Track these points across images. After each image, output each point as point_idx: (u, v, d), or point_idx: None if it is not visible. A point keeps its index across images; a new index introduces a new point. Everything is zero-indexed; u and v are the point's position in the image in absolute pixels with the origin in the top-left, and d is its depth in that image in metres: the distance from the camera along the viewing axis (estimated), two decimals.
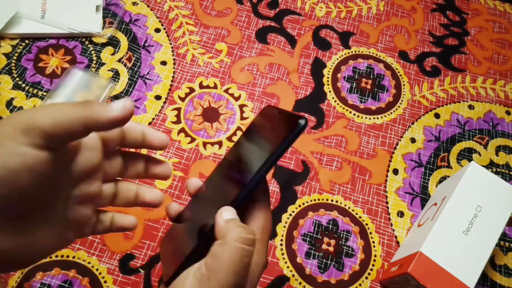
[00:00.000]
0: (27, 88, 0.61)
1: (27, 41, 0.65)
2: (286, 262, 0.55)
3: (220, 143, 0.61)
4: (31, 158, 0.24)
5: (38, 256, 0.29)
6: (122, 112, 0.26)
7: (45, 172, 0.25)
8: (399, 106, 0.68)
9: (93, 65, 0.64)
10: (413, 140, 0.65)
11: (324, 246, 0.56)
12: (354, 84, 0.68)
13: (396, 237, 0.58)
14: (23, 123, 0.24)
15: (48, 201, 0.27)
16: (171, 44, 0.68)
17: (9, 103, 0.60)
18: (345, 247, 0.56)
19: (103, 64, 0.65)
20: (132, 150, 0.34)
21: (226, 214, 0.30)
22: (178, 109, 0.63)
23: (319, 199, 0.59)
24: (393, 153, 0.64)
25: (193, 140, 0.61)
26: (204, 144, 0.61)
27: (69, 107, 0.25)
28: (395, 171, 0.62)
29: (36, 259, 0.29)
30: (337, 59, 0.70)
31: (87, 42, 0.66)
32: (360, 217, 0.59)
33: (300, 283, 0.54)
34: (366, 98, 0.67)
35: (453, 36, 0.76)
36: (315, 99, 0.66)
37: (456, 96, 0.70)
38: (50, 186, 0.27)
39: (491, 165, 0.64)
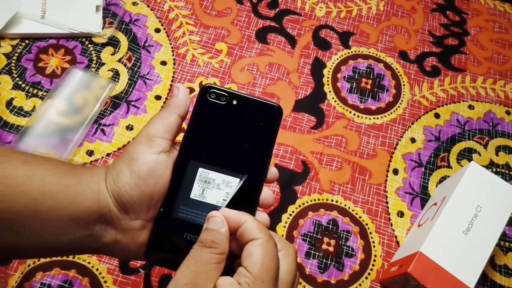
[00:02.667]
0: (27, 88, 0.61)
1: (27, 41, 0.65)
2: None
3: None
4: (155, 162, 0.31)
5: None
6: (181, 89, 0.34)
7: (164, 174, 0.32)
8: (399, 106, 0.68)
9: (93, 65, 0.64)
10: (413, 140, 0.65)
11: (324, 246, 0.56)
12: (354, 84, 0.68)
13: (396, 237, 0.58)
14: (145, 137, 0.32)
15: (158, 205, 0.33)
16: (171, 44, 0.68)
17: (9, 103, 0.60)
18: (345, 247, 0.56)
19: (103, 64, 0.65)
20: None
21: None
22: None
23: (319, 199, 0.59)
24: (393, 153, 0.64)
25: None
26: None
27: (161, 112, 0.33)
28: (395, 171, 0.62)
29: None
30: (337, 59, 0.70)
31: (87, 42, 0.66)
32: (360, 217, 0.59)
33: (300, 283, 0.54)
34: (366, 98, 0.67)
35: (453, 36, 0.76)
36: (315, 99, 0.66)
37: (456, 96, 0.70)
38: (165, 189, 0.32)
39: (491, 165, 0.64)
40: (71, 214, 0.30)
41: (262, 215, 0.34)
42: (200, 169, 0.33)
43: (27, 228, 0.30)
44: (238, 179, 0.34)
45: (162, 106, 0.63)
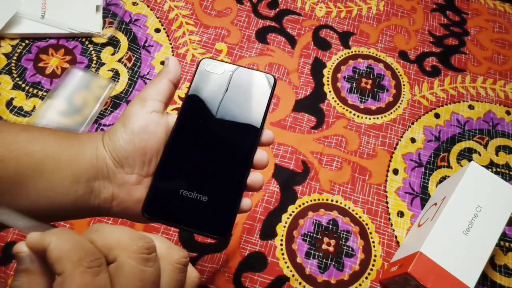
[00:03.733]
0: (27, 88, 0.61)
1: (27, 41, 0.65)
2: (286, 262, 0.55)
3: None
4: (147, 119, 0.33)
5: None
6: (171, 58, 0.37)
7: (156, 130, 0.34)
8: (399, 106, 0.68)
9: (93, 65, 0.64)
10: (413, 140, 0.65)
11: (324, 246, 0.56)
12: (354, 84, 0.68)
13: (396, 237, 0.58)
14: (138, 99, 0.35)
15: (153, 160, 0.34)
16: (171, 44, 0.68)
17: (9, 103, 0.60)
18: (345, 247, 0.56)
19: (103, 64, 0.65)
20: None
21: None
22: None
23: (319, 199, 0.59)
24: (393, 153, 0.64)
25: None
26: None
27: (155, 78, 0.36)
28: (395, 171, 0.62)
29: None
30: (337, 59, 0.70)
31: (87, 42, 0.66)
32: (360, 217, 0.59)
33: (300, 283, 0.54)
34: (366, 98, 0.67)
35: (453, 36, 0.76)
36: (315, 99, 0.66)
37: (456, 96, 0.70)
38: (158, 146, 0.34)
39: (491, 165, 0.64)
40: (74, 172, 0.32)
41: (257, 175, 0.36)
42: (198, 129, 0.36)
43: (34, 189, 0.31)
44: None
45: None
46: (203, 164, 0.35)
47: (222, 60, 0.37)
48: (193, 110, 0.36)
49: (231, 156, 0.36)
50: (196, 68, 0.37)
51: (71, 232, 0.22)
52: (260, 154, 0.36)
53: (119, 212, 0.35)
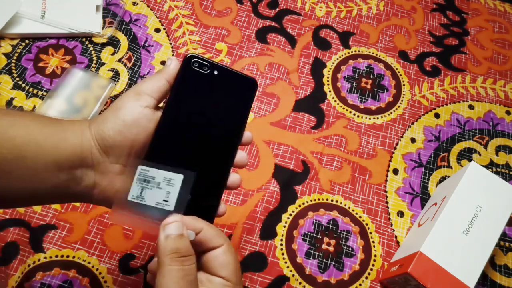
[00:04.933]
0: (27, 88, 0.61)
1: (27, 41, 0.65)
2: (286, 262, 0.55)
3: None
4: (140, 114, 0.34)
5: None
6: (173, 60, 0.37)
7: (147, 126, 0.34)
8: (399, 106, 0.68)
9: (93, 65, 0.64)
10: (413, 140, 0.65)
11: (324, 246, 0.56)
12: (354, 84, 0.68)
13: (396, 237, 0.58)
14: (134, 92, 0.35)
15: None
16: (171, 44, 0.68)
17: (9, 103, 0.60)
18: (345, 247, 0.56)
19: (103, 64, 0.65)
20: None
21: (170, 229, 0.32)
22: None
23: (319, 199, 0.59)
24: (393, 153, 0.64)
25: None
26: None
27: (153, 75, 0.36)
28: (395, 171, 0.62)
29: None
30: (337, 59, 0.70)
31: (87, 42, 0.66)
32: (360, 217, 0.59)
33: (300, 283, 0.54)
34: (366, 98, 0.67)
35: (453, 36, 0.76)
36: (315, 99, 0.66)
37: (456, 96, 0.70)
38: (145, 140, 0.34)
39: (491, 165, 0.64)
40: (56, 159, 0.32)
41: (235, 176, 0.38)
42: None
43: (15, 174, 0.31)
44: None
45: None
46: (187, 159, 0.35)
47: (207, 58, 0.37)
48: (178, 107, 0.36)
49: (213, 155, 0.37)
50: (182, 64, 0.37)
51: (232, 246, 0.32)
52: (241, 155, 0.38)
53: (100, 200, 0.35)
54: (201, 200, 0.35)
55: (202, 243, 0.32)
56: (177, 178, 0.34)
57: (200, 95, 0.37)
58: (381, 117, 0.66)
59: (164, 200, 0.33)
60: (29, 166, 0.31)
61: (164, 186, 0.33)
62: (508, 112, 0.69)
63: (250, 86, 0.38)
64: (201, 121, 0.37)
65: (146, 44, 0.67)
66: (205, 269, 0.33)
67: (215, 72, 0.37)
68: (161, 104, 0.37)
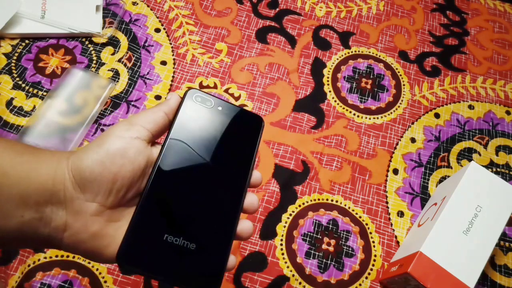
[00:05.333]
0: (27, 88, 0.61)
1: (27, 41, 0.65)
2: (286, 262, 0.55)
3: None
4: (128, 144, 0.30)
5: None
6: (174, 95, 0.34)
7: (135, 158, 0.30)
8: (399, 106, 0.68)
9: (93, 65, 0.64)
10: (413, 140, 0.65)
11: (324, 246, 0.56)
12: (354, 84, 0.68)
13: (396, 237, 0.58)
14: (126, 123, 0.31)
15: (131, 196, 0.31)
16: (171, 44, 0.68)
17: (9, 103, 0.60)
18: (345, 247, 0.56)
19: (103, 64, 0.65)
20: None
21: None
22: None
23: (319, 199, 0.59)
24: (393, 153, 0.64)
25: None
26: None
27: (151, 108, 0.33)
28: (395, 171, 0.62)
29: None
30: (337, 59, 0.70)
31: (87, 42, 0.66)
32: (360, 217, 0.59)
33: (300, 283, 0.54)
34: (366, 98, 0.67)
35: (453, 36, 0.76)
36: (315, 99, 0.66)
37: (456, 96, 0.70)
38: (138, 178, 0.30)
39: (491, 165, 0.64)
40: (22, 192, 0.27)
41: (246, 223, 0.33)
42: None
43: None
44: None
45: None
46: (190, 207, 0.31)
47: (209, 93, 0.35)
48: (179, 145, 0.32)
49: (220, 200, 0.32)
50: (183, 98, 0.34)
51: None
52: (251, 198, 0.33)
53: (71, 245, 0.29)
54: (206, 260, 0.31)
55: None
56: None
57: (203, 135, 0.33)
58: (381, 117, 0.66)
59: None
60: None
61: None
62: (508, 112, 0.69)
63: (256, 124, 0.35)
64: (206, 164, 0.32)
65: (146, 44, 0.67)
66: None
67: (219, 108, 0.34)
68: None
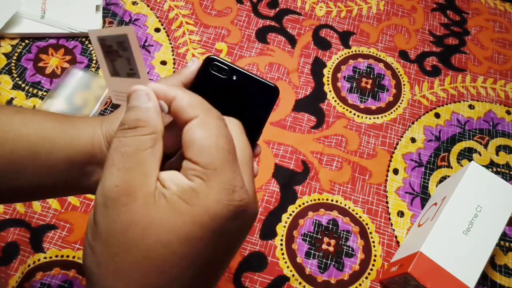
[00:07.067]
0: (27, 88, 0.61)
1: (27, 41, 0.65)
2: (286, 262, 0.55)
3: None
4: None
5: None
6: (195, 63, 0.34)
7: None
8: (399, 106, 0.67)
9: (93, 65, 0.64)
10: (413, 140, 0.65)
11: (324, 246, 0.56)
12: (354, 84, 0.68)
13: (396, 237, 0.58)
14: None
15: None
16: (171, 43, 0.68)
17: (9, 103, 0.60)
18: (345, 247, 0.56)
19: None
20: None
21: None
22: None
23: (319, 199, 0.59)
24: (393, 153, 0.64)
25: None
26: None
27: (169, 76, 0.34)
28: (395, 171, 0.62)
29: None
30: (337, 58, 0.70)
31: (87, 42, 0.66)
32: (360, 217, 0.59)
33: (300, 283, 0.54)
34: (366, 97, 0.67)
35: (453, 35, 0.75)
36: (315, 99, 0.66)
37: (456, 96, 0.70)
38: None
39: (491, 165, 0.64)
40: (68, 155, 0.32)
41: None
42: None
43: (30, 170, 0.32)
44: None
45: None
46: None
47: (227, 61, 0.35)
48: None
49: None
50: (200, 68, 0.35)
51: (217, 115, 0.25)
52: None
53: None
54: None
55: (177, 117, 0.25)
56: (127, 35, 0.27)
57: (215, 101, 0.34)
58: (381, 117, 0.66)
59: (130, 69, 0.28)
60: (43, 162, 0.32)
61: (122, 53, 0.27)
62: (508, 112, 0.69)
63: (270, 93, 0.36)
64: None
65: (146, 44, 0.67)
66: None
67: (234, 77, 0.35)
68: None
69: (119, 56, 0.28)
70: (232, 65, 0.35)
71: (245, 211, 0.23)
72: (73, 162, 0.33)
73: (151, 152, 0.23)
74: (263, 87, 0.35)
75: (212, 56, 0.34)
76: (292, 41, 0.71)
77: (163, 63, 0.66)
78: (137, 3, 0.71)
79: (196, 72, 0.34)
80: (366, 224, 0.58)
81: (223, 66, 0.34)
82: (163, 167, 0.24)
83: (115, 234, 0.21)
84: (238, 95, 0.35)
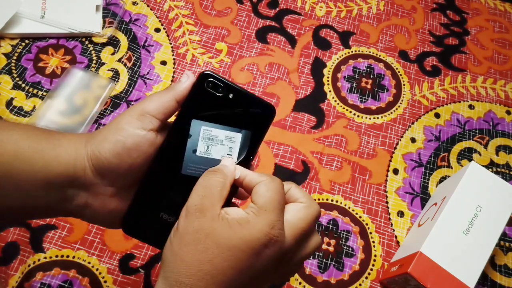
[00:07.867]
0: (27, 88, 0.61)
1: (27, 41, 0.65)
2: None
3: None
4: (142, 138, 0.32)
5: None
6: (189, 79, 0.33)
7: (147, 151, 0.32)
8: (399, 106, 0.68)
9: (93, 65, 0.64)
10: (413, 140, 0.65)
11: (324, 246, 0.56)
12: (354, 84, 0.68)
13: (396, 237, 0.58)
14: (138, 111, 0.32)
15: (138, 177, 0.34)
16: (171, 44, 0.68)
17: (9, 103, 0.60)
18: (345, 247, 0.56)
19: (103, 64, 0.65)
20: None
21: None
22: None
23: (319, 199, 0.59)
24: (393, 153, 0.64)
25: None
26: None
27: (161, 92, 0.33)
28: (395, 171, 0.62)
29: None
30: (337, 58, 0.70)
31: (87, 42, 0.66)
32: (360, 217, 0.59)
33: (300, 283, 0.54)
34: (366, 98, 0.67)
35: (453, 35, 0.76)
36: (315, 99, 0.66)
37: (456, 96, 0.70)
38: (144, 164, 0.33)
39: (491, 165, 0.64)
40: (46, 177, 0.31)
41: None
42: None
43: (4, 191, 0.30)
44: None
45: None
46: (187, 190, 0.32)
47: (223, 78, 0.34)
48: (185, 130, 0.33)
49: None
50: (195, 83, 0.33)
51: (279, 182, 0.33)
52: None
53: (91, 219, 0.35)
54: None
55: (249, 184, 0.33)
56: (237, 136, 0.34)
57: (210, 120, 0.34)
58: (381, 117, 0.66)
59: (228, 154, 0.34)
60: (17, 184, 0.30)
61: (226, 142, 0.34)
62: (508, 112, 0.69)
63: (267, 112, 0.35)
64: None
65: (146, 44, 0.67)
66: None
67: (230, 96, 0.33)
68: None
69: (221, 144, 0.34)
70: (228, 82, 0.33)
71: (277, 245, 0.30)
72: (51, 184, 0.31)
73: (220, 191, 0.31)
74: (260, 106, 0.35)
75: (207, 72, 0.33)
76: (292, 41, 0.71)
77: (163, 63, 0.66)
78: (137, 3, 0.71)
79: (189, 88, 0.33)
80: (366, 224, 0.58)
81: (218, 83, 0.33)
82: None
83: (188, 233, 0.30)
84: (233, 113, 0.34)
